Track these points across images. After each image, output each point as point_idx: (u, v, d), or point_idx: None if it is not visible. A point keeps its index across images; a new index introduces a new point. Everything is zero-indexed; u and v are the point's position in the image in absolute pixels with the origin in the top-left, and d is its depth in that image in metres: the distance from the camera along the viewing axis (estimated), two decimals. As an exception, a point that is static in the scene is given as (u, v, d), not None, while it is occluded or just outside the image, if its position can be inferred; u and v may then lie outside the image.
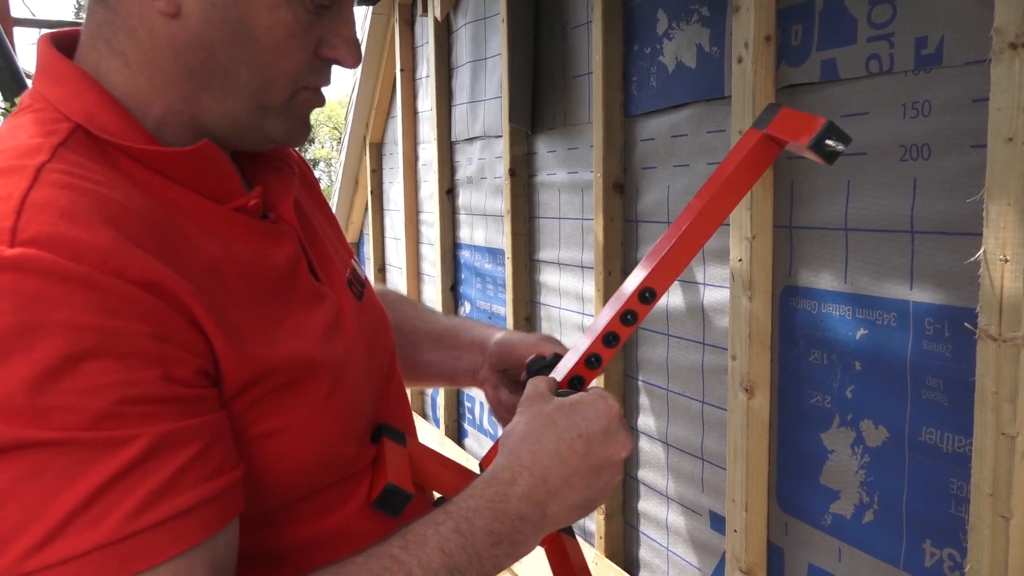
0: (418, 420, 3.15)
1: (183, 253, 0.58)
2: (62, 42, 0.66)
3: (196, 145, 0.62)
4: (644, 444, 1.90)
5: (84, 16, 0.66)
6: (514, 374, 0.91)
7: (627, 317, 0.75)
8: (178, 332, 0.54)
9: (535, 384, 0.75)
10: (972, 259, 1.08)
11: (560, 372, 0.79)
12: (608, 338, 0.76)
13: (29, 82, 2.12)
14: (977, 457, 1.07)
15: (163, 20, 0.61)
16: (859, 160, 1.29)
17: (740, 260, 1.47)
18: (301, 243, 0.71)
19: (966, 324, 1.13)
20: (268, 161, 0.74)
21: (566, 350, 0.86)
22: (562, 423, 0.68)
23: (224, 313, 0.58)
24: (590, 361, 0.77)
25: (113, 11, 0.62)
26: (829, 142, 0.66)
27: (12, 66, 1.88)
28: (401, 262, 3.32)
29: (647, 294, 0.75)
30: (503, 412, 0.93)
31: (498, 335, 0.93)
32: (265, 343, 0.61)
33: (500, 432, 0.78)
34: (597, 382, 1.98)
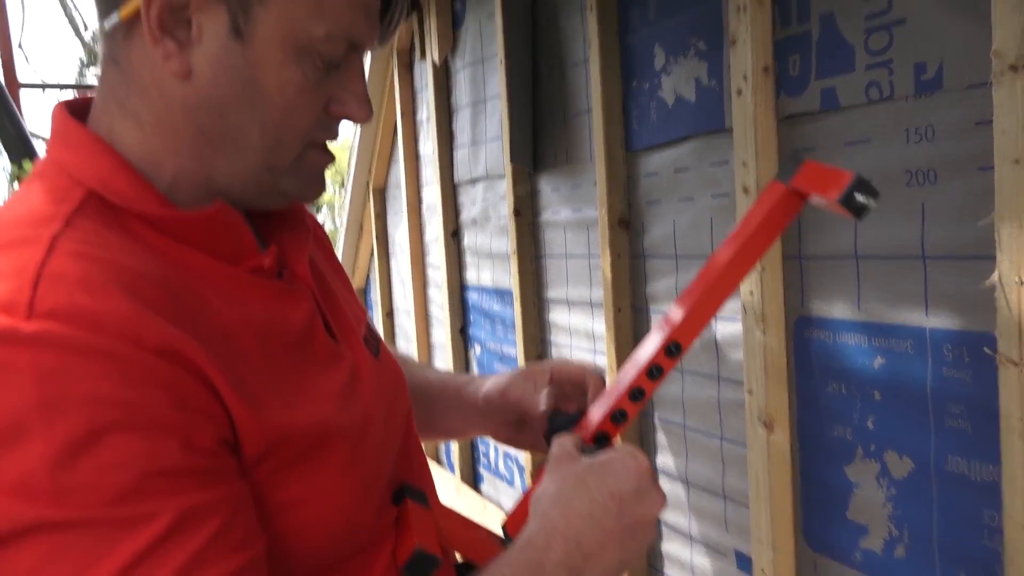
0: (433, 466, 3.11)
1: (199, 318, 0.57)
2: (76, 109, 0.66)
3: (210, 209, 0.61)
4: (664, 483, 1.86)
5: (85, 77, 0.66)
6: (511, 422, 0.91)
7: (653, 371, 0.74)
8: (197, 399, 0.54)
9: (562, 444, 0.73)
10: (987, 283, 1.06)
11: (584, 428, 0.77)
12: (634, 393, 0.75)
13: (36, 142, 2.14)
14: (1008, 486, 1.04)
15: (175, 81, 0.61)
16: (865, 187, 1.27)
17: (751, 293, 1.45)
18: (316, 302, 0.70)
19: (985, 349, 1.10)
20: (282, 218, 0.74)
21: (557, 382, 0.85)
22: (593, 484, 0.67)
23: (241, 379, 0.57)
24: (616, 416, 0.75)
25: (125, 73, 0.62)
26: (859, 197, 0.65)
27: (19, 129, 1.91)
28: (409, 306, 3.31)
29: (673, 348, 0.74)
30: (525, 448, 0.92)
31: (489, 385, 0.92)
32: (283, 409, 0.60)
33: (517, 479, 0.78)
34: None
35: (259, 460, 0.58)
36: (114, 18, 0.60)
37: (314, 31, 0.61)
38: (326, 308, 0.72)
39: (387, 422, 0.73)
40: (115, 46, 0.62)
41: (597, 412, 0.77)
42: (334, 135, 0.69)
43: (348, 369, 0.69)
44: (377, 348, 0.78)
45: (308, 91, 0.63)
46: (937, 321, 1.19)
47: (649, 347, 0.76)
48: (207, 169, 0.64)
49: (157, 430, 0.51)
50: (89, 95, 0.69)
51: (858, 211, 0.66)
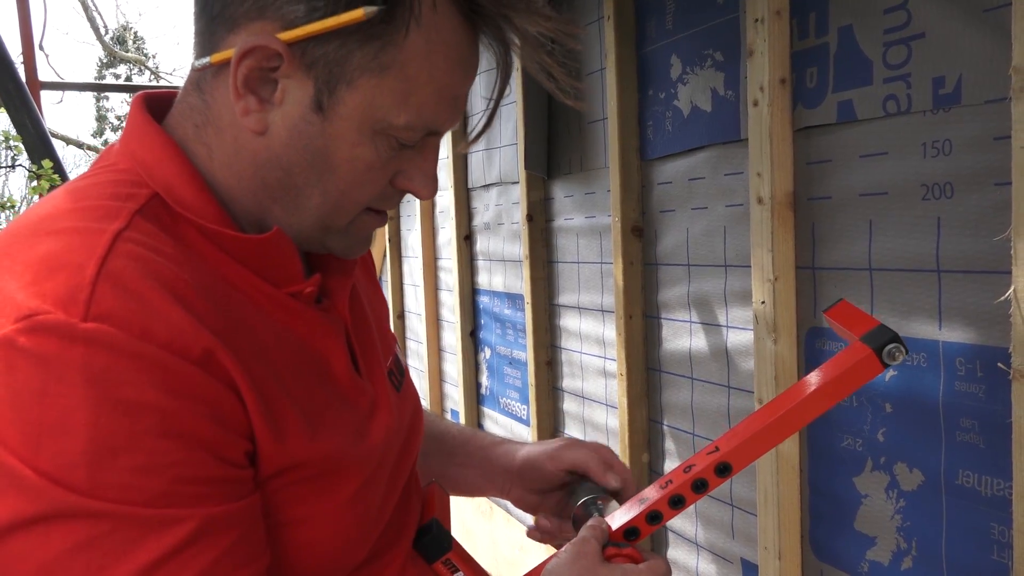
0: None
1: (241, 333, 0.59)
2: (152, 103, 0.67)
3: (269, 234, 0.63)
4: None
5: (104, 78, 0.67)
6: (545, 490, 0.91)
7: (697, 484, 0.75)
8: (231, 414, 0.55)
9: (593, 530, 0.75)
10: (1002, 298, 1.06)
11: (618, 520, 0.78)
12: (674, 500, 0.76)
13: (54, 142, 2.16)
14: (1018, 501, 1.04)
15: (250, 134, 0.62)
16: (880, 200, 1.28)
17: (763, 302, 1.45)
18: (348, 335, 0.71)
19: (999, 364, 1.11)
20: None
21: (596, 456, 0.86)
22: None
23: (270, 399, 0.59)
24: (651, 517, 0.76)
25: (208, 105, 0.63)
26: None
27: (40, 129, 1.94)
28: (420, 308, 3.33)
29: (722, 467, 0.75)
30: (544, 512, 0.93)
31: (521, 453, 0.92)
32: (304, 434, 0.61)
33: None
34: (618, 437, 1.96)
35: (270, 478, 0.60)
36: (205, 60, 0.61)
37: (395, 120, 0.61)
38: (356, 342, 0.73)
39: (401, 455, 0.75)
40: (203, 79, 0.63)
41: (634, 507, 0.78)
42: (394, 206, 0.70)
43: (368, 404, 0.70)
44: (401, 382, 0.79)
45: (376, 168, 0.63)
46: (950, 335, 1.19)
47: (699, 461, 0.76)
48: (263, 213, 0.65)
49: (193, 439, 0.52)
50: (168, 91, 0.69)
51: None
